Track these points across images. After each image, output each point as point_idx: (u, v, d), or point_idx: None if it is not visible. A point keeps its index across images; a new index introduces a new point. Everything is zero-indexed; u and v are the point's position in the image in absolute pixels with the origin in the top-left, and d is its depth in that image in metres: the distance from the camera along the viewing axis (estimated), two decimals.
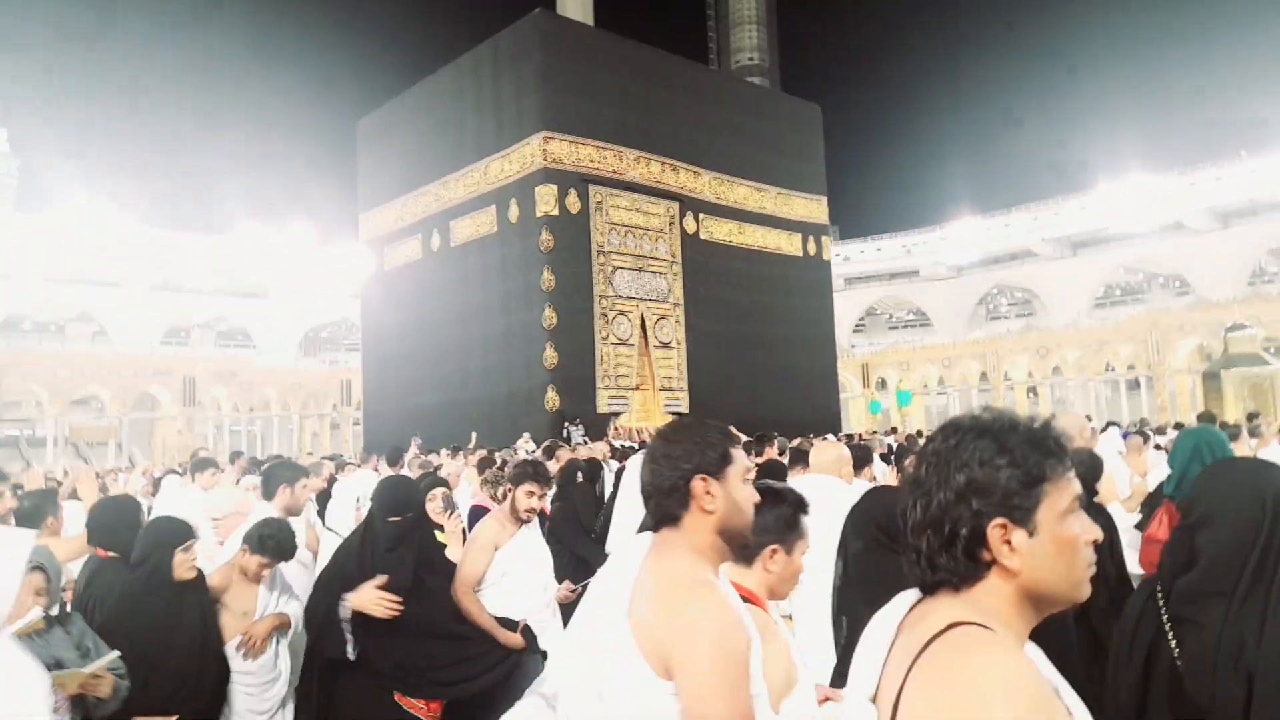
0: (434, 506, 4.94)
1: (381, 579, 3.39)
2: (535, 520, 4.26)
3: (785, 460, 6.84)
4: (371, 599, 3.35)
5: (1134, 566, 3.85)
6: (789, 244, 24.39)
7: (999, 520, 1.13)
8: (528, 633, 3.88)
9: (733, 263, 22.55)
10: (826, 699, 2.02)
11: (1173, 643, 1.97)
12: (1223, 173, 36.08)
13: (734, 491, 1.70)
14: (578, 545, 5.86)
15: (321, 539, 5.06)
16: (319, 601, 3.49)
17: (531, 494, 4.07)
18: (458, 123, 21.64)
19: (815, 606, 3.20)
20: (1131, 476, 6.44)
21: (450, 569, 3.97)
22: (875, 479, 7.06)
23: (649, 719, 1.54)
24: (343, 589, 3.43)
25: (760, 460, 7.00)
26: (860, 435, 16.56)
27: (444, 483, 5.59)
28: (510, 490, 4.17)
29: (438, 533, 4.55)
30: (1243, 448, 7.24)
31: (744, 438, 13.57)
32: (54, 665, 2.57)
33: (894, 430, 21.38)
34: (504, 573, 3.98)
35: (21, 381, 30.20)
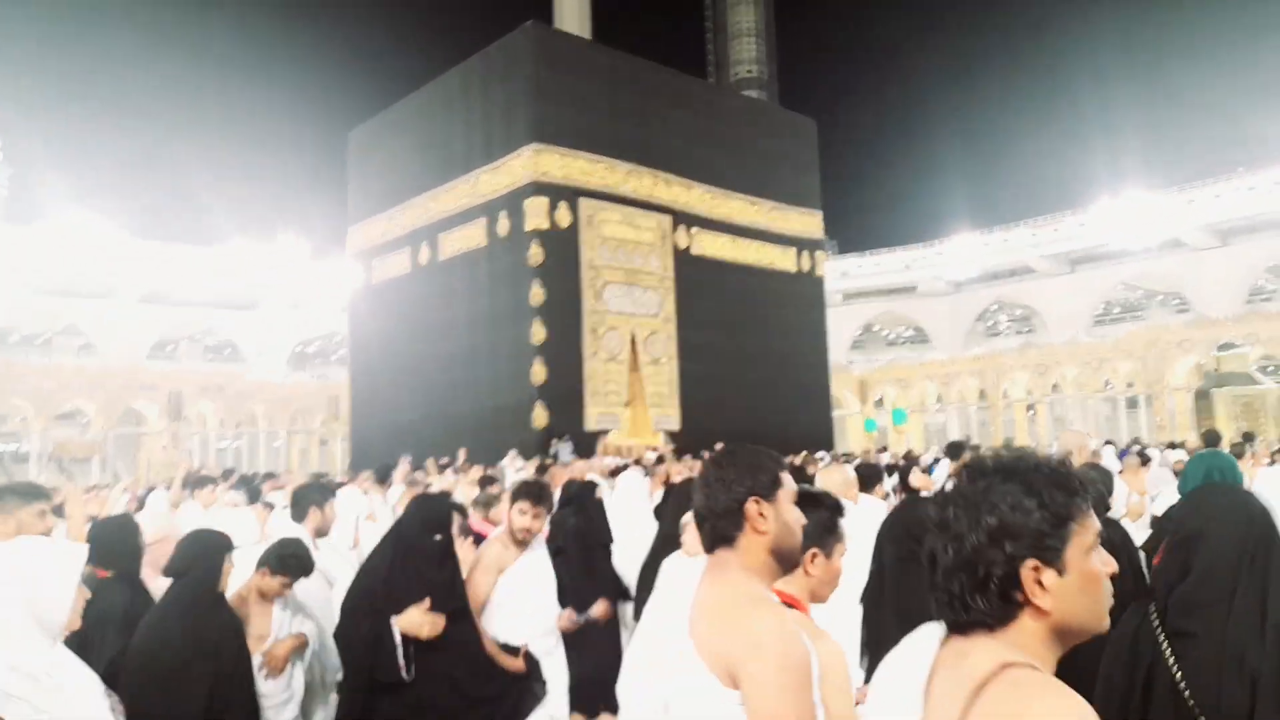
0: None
1: (426, 602, 3.36)
2: (542, 544, 4.17)
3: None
4: (419, 620, 3.33)
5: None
6: (783, 259, 24.06)
7: (1032, 562, 1.17)
8: (529, 659, 3.80)
9: (726, 278, 22.21)
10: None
11: (1171, 659, 2.02)
12: (1221, 189, 35.87)
13: (785, 513, 1.81)
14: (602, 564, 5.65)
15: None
16: (360, 623, 3.41)
17: (524, 513, 3.95)
18: (448, 135, 21.36)
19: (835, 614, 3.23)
20: (1129, 494, 6.51)
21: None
22: (889, 495, 6.97)
23: None
24: (388, 609, 3.35)
25: None
26: (850, 456, 16.21)
27: (459, 507, 5.42)
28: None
29: None
30: (1243, 466, 7.11)
31: None
32: None
33: (884, 449, 20.99)
34: (507, 597, 3.93)
35: (7, 396, 29.81)
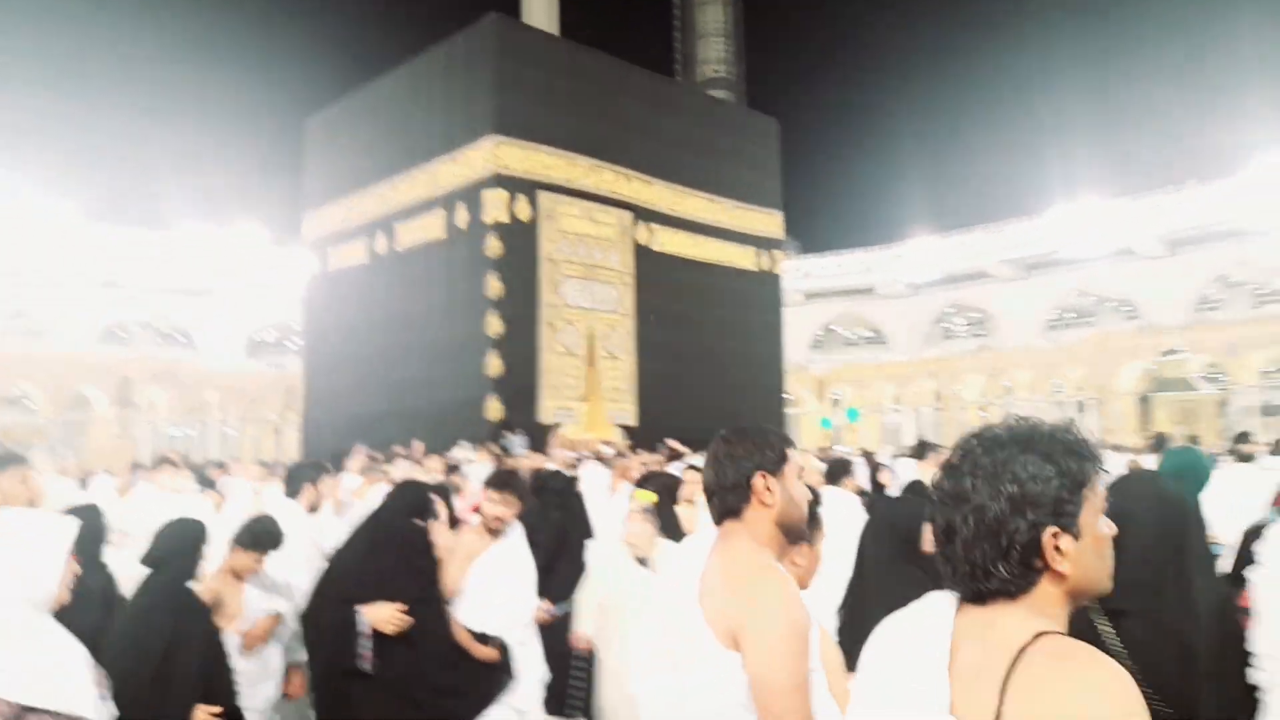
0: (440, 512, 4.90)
1: (403, 605, 3.31)
2: (518, 533, 4.13)
3: None
4: (387, 616, 3.30)
5: None
6: (742, 258, 24.21)
7: (1052, 529, 1.20)
8: (502, 650, 3.77)
9: (685, 275, 22.30)
10: None
11: (1115, 634, 2.09)
12: (1172, 201, 36.68)
13: (790, 487, 1.89)
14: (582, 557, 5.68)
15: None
16: (327, 609, 3.37)
17: (495, 501, 3.97)
18: (407, 124, 21.18)
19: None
20: None
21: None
22: (862, 489, 7.05)
23: (716, 683, 1.71)
24: (359, 597, 3.32)
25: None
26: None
27: (445, 493, 5.45)
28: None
29: None
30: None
31: (685, 450, 13.29)
32: None
33: (832, 448, 21.34)
34: (478, 585, 3.92)
35: None
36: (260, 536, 3.66)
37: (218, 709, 3.17)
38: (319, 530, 5.02)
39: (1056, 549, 1.20)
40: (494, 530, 4.01)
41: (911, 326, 43.67)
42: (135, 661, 2.96)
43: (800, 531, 1.93)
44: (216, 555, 3.75)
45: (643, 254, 21.32)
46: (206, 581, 3.49)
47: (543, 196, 19.48)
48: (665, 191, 22.18)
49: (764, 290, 24.87)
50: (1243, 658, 2.48)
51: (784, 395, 26.33)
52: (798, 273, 42.37)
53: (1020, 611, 1.20)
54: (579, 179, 20.25)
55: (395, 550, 3.42)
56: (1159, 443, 10.40)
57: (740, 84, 60.36)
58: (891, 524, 3.25)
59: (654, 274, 21.34)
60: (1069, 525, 1.21)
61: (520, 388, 18.43)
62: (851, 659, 3.03)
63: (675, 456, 12.25)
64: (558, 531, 5.78)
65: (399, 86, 21.79)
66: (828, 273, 45.17)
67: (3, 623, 2.05)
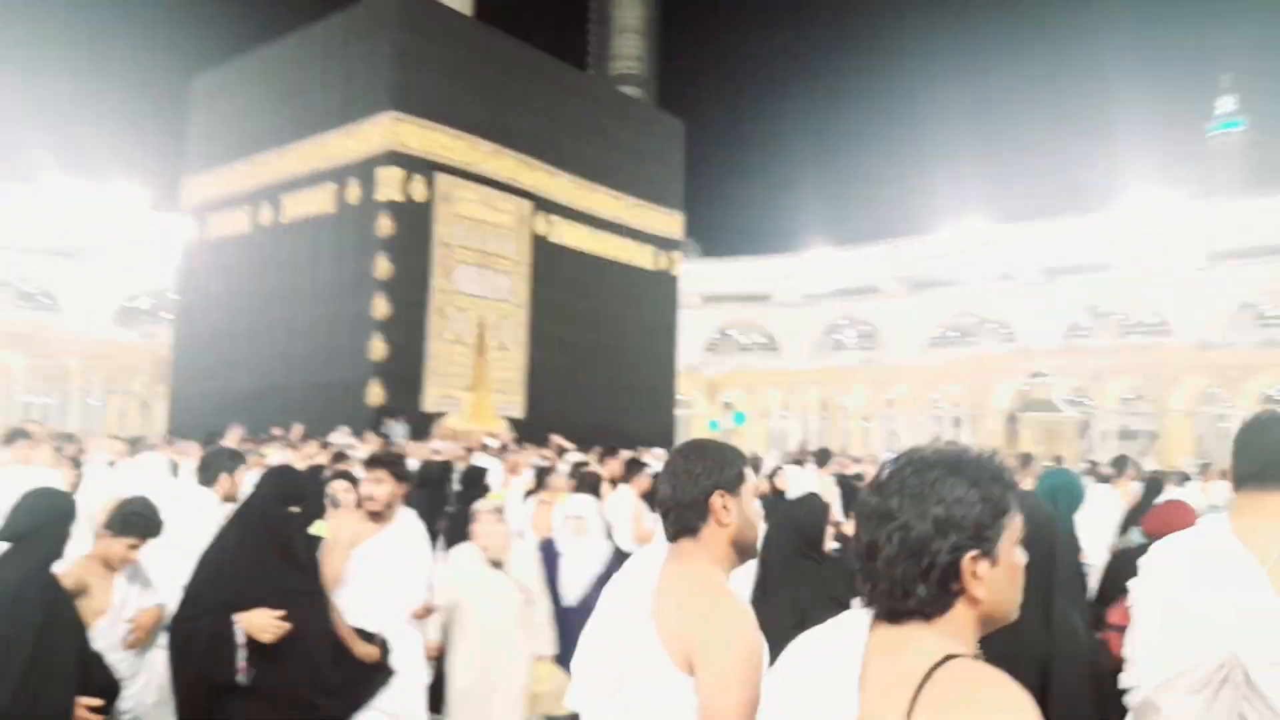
0: (347, 499, 4.66)
1: (281, 611, 3.00)
2: (409, 519, 3.92)
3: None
4: (263, 624, 2.99)
5: None
6: (640, 256, 24.22)
7: (972, 553, 1.21)
8: (384, 648, 3.51)
9: (582, 269, 22.14)
10: None
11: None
12: (1050, 230, 38.65)
13: (747, 508, 1.87)
14: None
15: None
16: (200, 617, 3.00)
17: (379, 481, 3.78)
18: (301, 92, 20.31)
19: None
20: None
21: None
22: (763, 491, 7.07)
23: (664, 704, 1.71)
24: (233, 603, 2.99)
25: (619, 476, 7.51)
26: None
27: (348, 475, 5.18)
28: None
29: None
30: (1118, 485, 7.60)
31: (571, 446, 13.15)
32: None
33: None
34: (361, 574, 3.71)
35: None
36: (131, 521, 3.21)
37: (98, 701, 2.90)
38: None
39: (974, 573, 1.21)
40: (375, 514, 3.81)
41: (804, 335, 44.66)
42: (5, 650, 2.65)
43: (752, 550, 1.91)
44: (76, 539, 3.37)
45: (540, 244, 21.06)
46: (69, 567, 3.09)
47: (440, 178, 19.00)
48: (567, 183, 21.97)
49: (661, 290, 24.95)
50: (1104, 678, 2.49)
51: (675, 396, 26.47)
52: (697, 275, 42.76)
53: (932, 633, 1.22)
54: (479, 163, 19.84)
55: (268, 544, 3.14)
56: (1024, 461, 10.80)
57: (652, 83, 60.63)
58: (795, 523, 3.45)
59: (550, 266, 21.11)
60: (989, 550, 1.22)
61: (405, 374, 17.92)
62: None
63: (562, 452, 12.13)
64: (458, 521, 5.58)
65: (295, 51, 20.87)
66: (725, 277, 45.75)
67: None
